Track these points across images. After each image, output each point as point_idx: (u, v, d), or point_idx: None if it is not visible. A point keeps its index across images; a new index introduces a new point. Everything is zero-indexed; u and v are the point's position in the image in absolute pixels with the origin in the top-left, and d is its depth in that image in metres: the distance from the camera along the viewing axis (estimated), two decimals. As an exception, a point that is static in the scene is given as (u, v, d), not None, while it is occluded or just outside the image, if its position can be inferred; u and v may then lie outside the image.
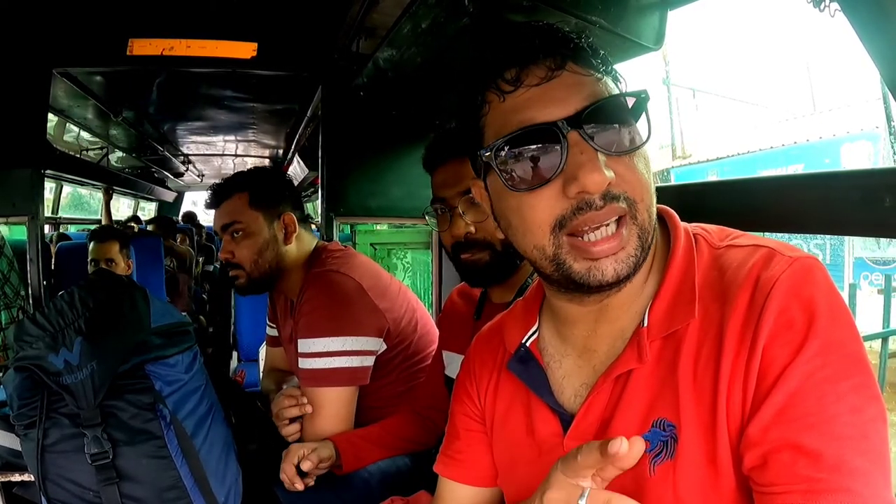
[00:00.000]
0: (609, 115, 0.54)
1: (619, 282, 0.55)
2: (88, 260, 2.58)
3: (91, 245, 2.61)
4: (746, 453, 0.49)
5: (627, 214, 0.54)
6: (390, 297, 1.36)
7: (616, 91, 0.57)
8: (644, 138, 0.56)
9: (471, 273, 1.10)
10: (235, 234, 1.36)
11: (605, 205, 0.53)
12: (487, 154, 0.57)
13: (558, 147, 0.53)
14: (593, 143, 0.53)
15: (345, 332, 1.25)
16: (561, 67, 0.55)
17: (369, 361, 1.29)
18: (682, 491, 0.52)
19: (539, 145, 0.54)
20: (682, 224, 0.61)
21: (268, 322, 1.63)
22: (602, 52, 0.58)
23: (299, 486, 1.13)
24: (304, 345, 1.26)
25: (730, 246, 0.57)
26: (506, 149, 0.56)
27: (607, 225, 0.54)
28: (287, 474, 1.12)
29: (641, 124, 0.56)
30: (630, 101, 0.56)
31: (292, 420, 1.27)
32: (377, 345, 1.31)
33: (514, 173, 0.56)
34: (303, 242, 1.42)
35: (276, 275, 1.39)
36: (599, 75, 0.56)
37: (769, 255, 0.53)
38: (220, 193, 1.39)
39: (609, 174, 0.53)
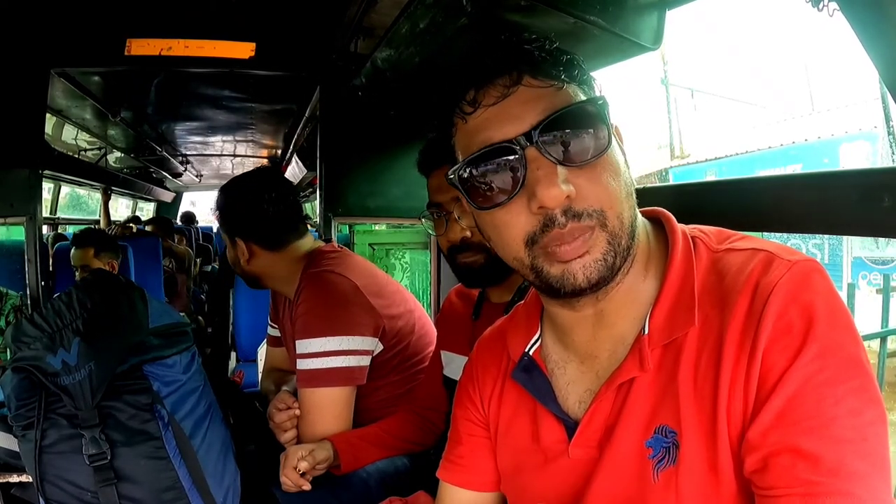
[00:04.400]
0: (567, 126, 0.54)
1: (592, 286, 0.55)
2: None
3: (71, 251, 2.59)
4: (747, 457, 0.49)
5: (597, 226, 0.54)
6: (387, 297, 1.36)
7: (581, 97, 0.57)
8: (606, 144, 0.55)
9: (467, 275, 1.10)
10: None
11: (567, 222, 0.53)
12: (451, 177, 0.58)
13: (518, 164, 0.54)
14: (551, 156, 0.53)
15: (341, 332, 1.25)
16: (517, 83, 0.55)
17: (366, 361, 1.29)
18: (685, 496, 0.52)
19: (499, 164, 0.55)
20: (680, 227, 0.61)
21: (269, 322, 1.62)
22: (567, 58, 0.57)
23: (306, 487, 1.12)
24: (301, 345, 1.26)
25: (728, 249, 0.57)
26: (468, 170, 0.57)
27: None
28: (290, 479, 1.11)
29: (604, 130, 0.55)
30: (590, 109, 0.55)
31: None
32: (373, 344, 1.31)
33: (479, 193, 0.57)
34: (297, 247, 1.41)
35: (259, 280, 1.43)
36: (560, 84, 0.56)
37: (768, 260, 0.53)
38: None
39: (567, 188, 0.53)
